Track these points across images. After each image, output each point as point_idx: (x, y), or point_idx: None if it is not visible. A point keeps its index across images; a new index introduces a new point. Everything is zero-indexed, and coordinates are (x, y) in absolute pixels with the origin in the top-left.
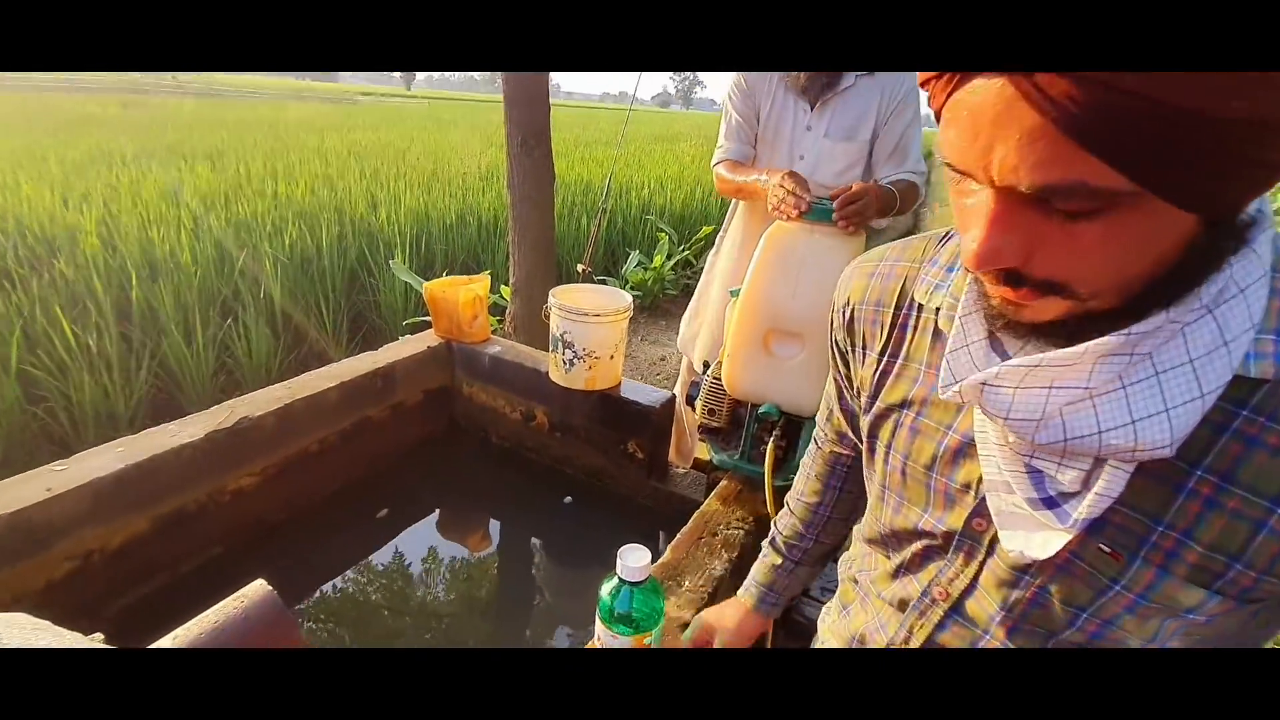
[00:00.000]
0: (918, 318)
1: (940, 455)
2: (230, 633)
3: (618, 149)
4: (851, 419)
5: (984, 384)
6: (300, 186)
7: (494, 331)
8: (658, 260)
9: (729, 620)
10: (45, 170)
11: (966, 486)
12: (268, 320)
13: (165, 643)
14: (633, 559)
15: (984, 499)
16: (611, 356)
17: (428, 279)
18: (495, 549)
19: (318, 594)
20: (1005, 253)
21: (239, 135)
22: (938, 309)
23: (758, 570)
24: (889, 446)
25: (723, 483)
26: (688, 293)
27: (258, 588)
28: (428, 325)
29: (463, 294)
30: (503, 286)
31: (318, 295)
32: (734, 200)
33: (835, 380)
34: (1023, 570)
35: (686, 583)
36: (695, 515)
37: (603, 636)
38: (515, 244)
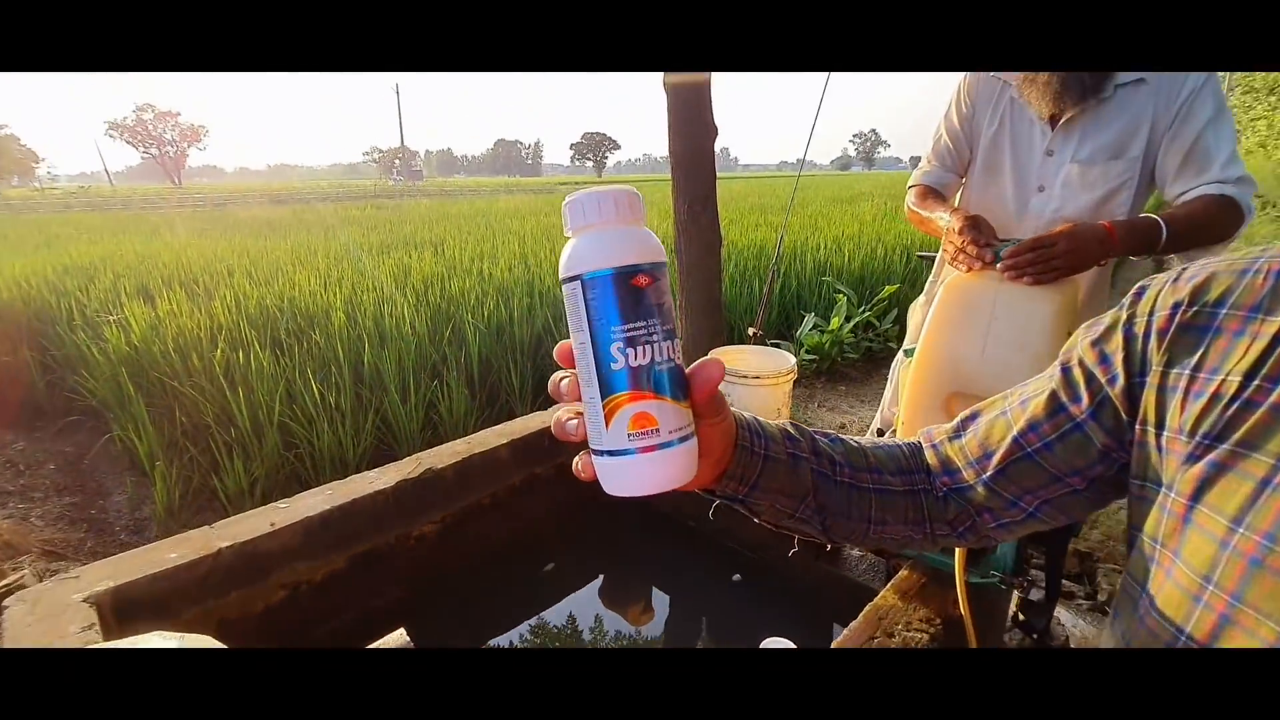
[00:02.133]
0: None
1: None
2: None
3: (789, 209)
4: (1027, 454)
5: None
6: (501, 264)
7: None
8: (835, 322)
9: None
10: (313, 261)
11: None
12: (466, 382)
13: None
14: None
15: None
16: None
17: None
18: (658, 622)
19: (485, 643)
20: None
21: (458, 225)
22: None
23: (765, 421)
24: (1236, 520)
25: (902, 573)
26: (869, 356)
27: (396, 637)
28: None
29: None
30: None
31: (508, 359)
32: None
33: (1049, 398)
34: None
35: None
36: (868, 608)
37: None
38: (683, 308)
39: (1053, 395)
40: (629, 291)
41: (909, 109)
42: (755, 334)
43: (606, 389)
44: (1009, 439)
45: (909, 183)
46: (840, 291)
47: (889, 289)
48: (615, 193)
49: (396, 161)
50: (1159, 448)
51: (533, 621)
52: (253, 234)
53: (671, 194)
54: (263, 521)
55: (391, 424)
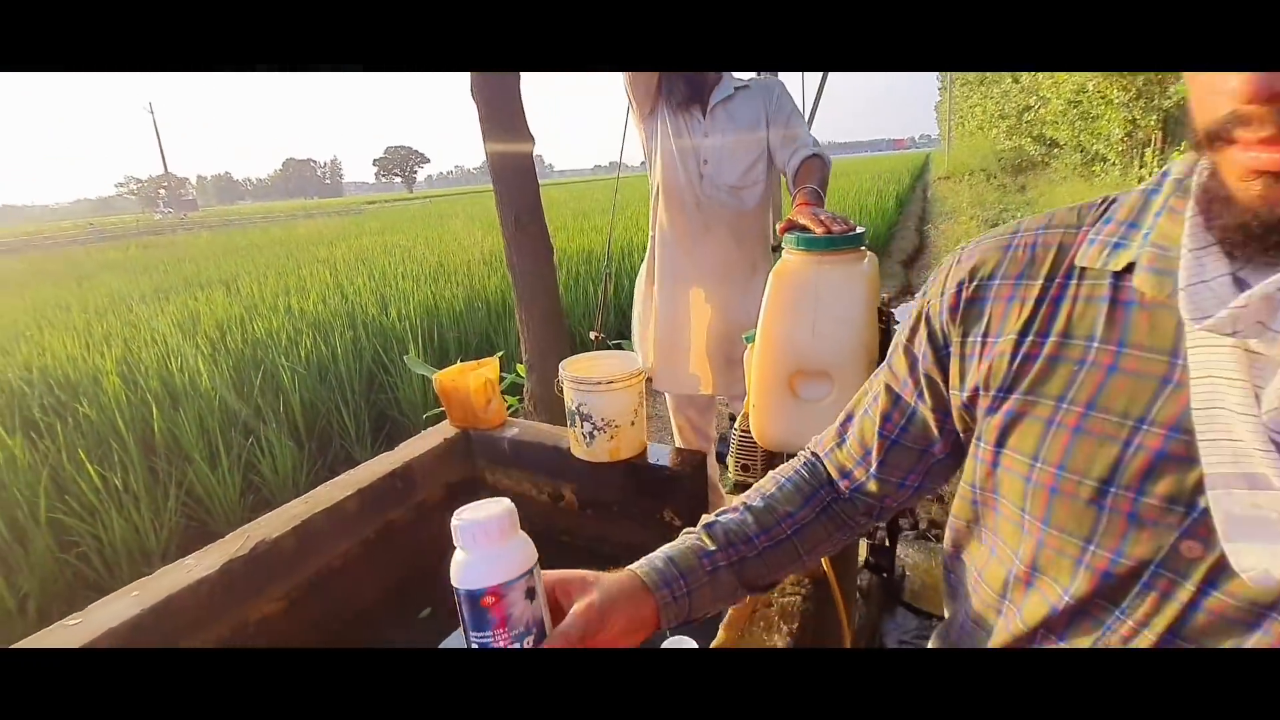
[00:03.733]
0: (1079, 287)
1: (1126, 462)
2: None
3: (613, 210)
4: (893, 441)
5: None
6: (311, 298)
7: (515, 412)
8: None
9: (609, 583)
10: (68, 319)
11: (1173, 500)
12: (290, 433)
13: None
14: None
15: (1200, 514)
16: (632, 423)
17: (443, 368)
18: None
19: None
20: None
21: (251, 258)
22: (1128, 266)
23: (673, 548)
24: (1033, 457)
25: None
26: None
27: None
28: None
29: (473, 380)
30: (518, 365)
31: (336, 400)
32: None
33: (887, 392)
34: (1269, 605)
35: None
36: None
37: None
38: (523, 321)
39: (888, 388)
40: (477, 608)
41: None
42: (597, 337)
43: None
44: (876, 434)
45: None
46: None
47: None
48: (478, 524)
49: (161, 191)
50: (964, 404)
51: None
52: None
53: (496, 207)
54: (51, 645)
55: (202, 497)
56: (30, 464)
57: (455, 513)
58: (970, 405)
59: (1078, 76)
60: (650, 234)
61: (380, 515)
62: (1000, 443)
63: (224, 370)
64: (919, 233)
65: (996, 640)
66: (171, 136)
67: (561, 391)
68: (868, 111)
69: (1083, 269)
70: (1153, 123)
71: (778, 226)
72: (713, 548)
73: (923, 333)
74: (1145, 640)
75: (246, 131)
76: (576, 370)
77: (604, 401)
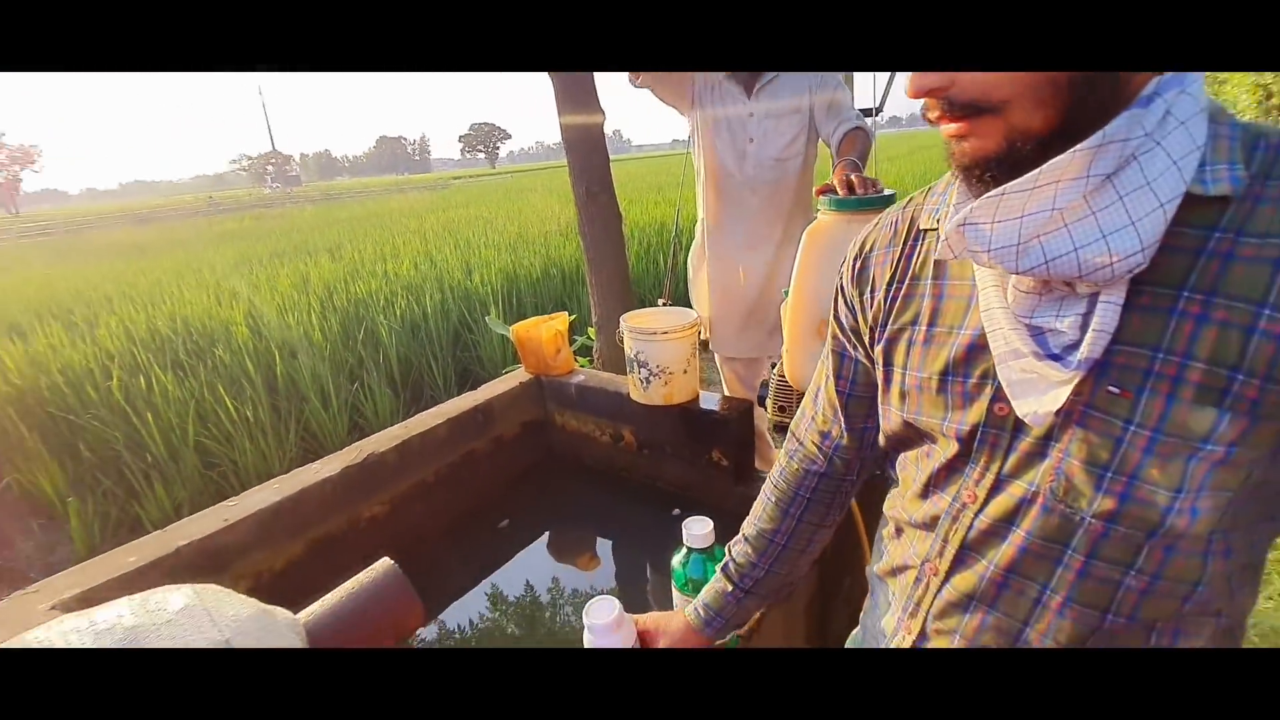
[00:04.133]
0: (922, 243)
1: (954, 357)
2: (362, 596)
3: (680, 184)
4: (847, 394)
5: (964, 224)
6: (404, 264)
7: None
8: None
9: (675, 627)
10: (201, 279)
11: (984, 377)
12: (388, 382)
13: (312, 608)
14: (697, 527)
15: (999, 383)
16: (685, 371)
17: None
18: (606, 565)
19: (450, 602)
20: (928, 77)
21: (350, 229)
22: (939, 222)
23: (707, 593)
24: (904, 367)
25: None
26: None
27: (385, 563)
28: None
29: (544, 331)
30: (589, 328)
31: (427, 355)
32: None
33: (833, 354)
34: (1046, 438)
35: None
36: None
37: (678, 602)
38: (593, 286)
39: (834, 350)
40: None
41: None
42: (664, 304)
43: None
44: (835, 391)
45: None
46: None
47: None
48: (600, 626)
49: (269, 167)
50: (868, 345)
51: (495, 571)
52: (122, 257)
53: (569, 178)
54: (215, 520)
55: (316, 432)
56: (179, 397)
57: (585, 617)
58: (871, 345)
59: None
60: (699, 215)
61: (465, 443)
62: (887, 363)
63: (332, 325)
64: None
65: (907, 492)
66: (278, 116)
67: (623, 342)
68: None
69: (923, 230)
70: None
71: (814, 190)
72: (730, 587)
73: (841, 304)
74: (988, 480)
75: (343, 111)
76: (635, 322)
77: (659, 349)
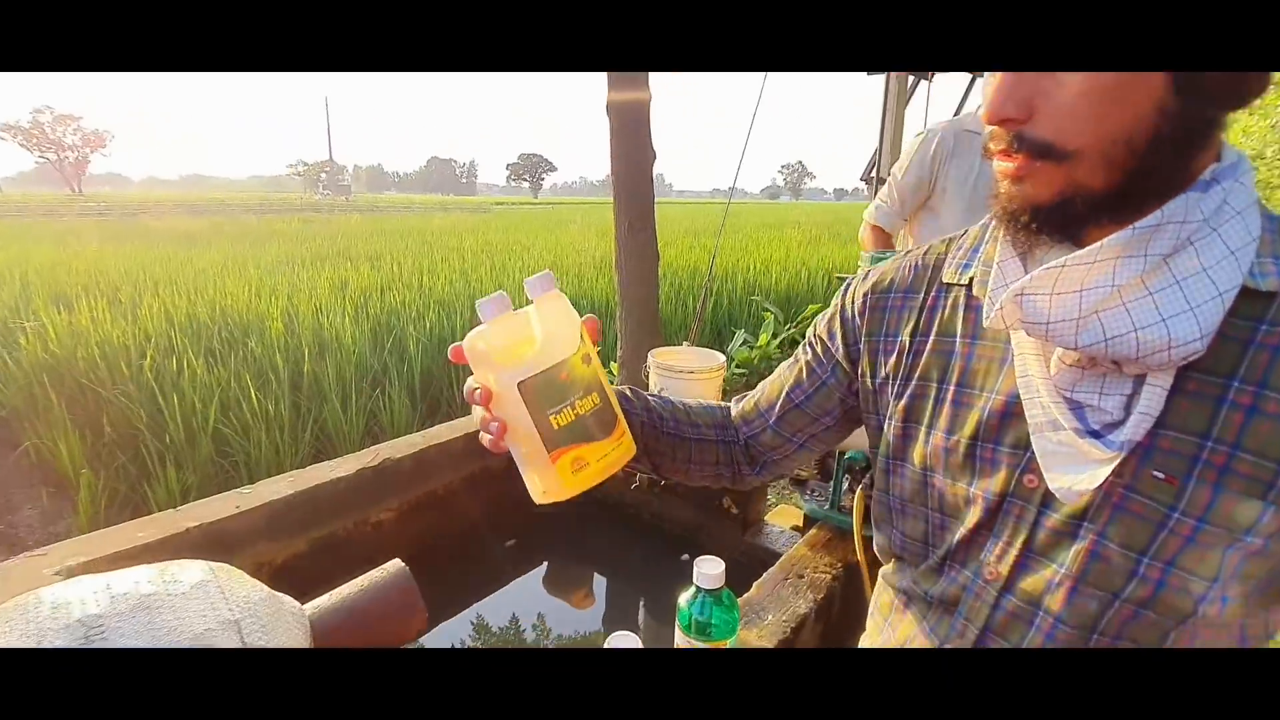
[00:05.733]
0: (947, 297)
1: (985, 421)
2: (370, 594)
3: (719, 233)
4: (796, 404)
5: (1020, 295)
6: (440, 279)
7: None
8: (763, 339)
9: None
10: (244, 273)
11: (1015, 446)
12: (408, 392)
13: (319, 601)
14: (708, 567)
15: (1031, 454)
16: None
17: None
18: (604, 601)
19: (442, 617)
20: (1009, 104)
21: (394, 241)
22: (970, 280)
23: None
24: (929, 427)
25: (813, 531)
26: None
27: (395, 564)
28: None
29: None
30: (612, 363)
31: (451, 372)
32: None
33: (805, 366)
34: (1079, 518)
35: (769, 617)
36: (783, 558)
37: (680, 644)
38: (623, 319)
39: (806, 364)
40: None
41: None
42: (689, 345)
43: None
44: (782, 395)
45: (868, 217)
46: (768, 310)
47: (812, 308)
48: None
49: (323, 175)
50: (874, 390)
51: (495, 590)
52: (172, 244)
53: (613, 213)
54: (228, 504)
55: (331, 433)
56: (206, 383)
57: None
58: (880, 391)
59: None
60: None
61: (481, 459)
62: (905, 419)
63: (363, 330)
64: None
65: (920, 564)
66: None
67: (648, 377)
68: None
69: (947, 284)
70: None
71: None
72: (635, 401)
73: (838, 329)
74: (1011, 556)
75: (400, 128)
76: (664, 358)
77: (685, 387)
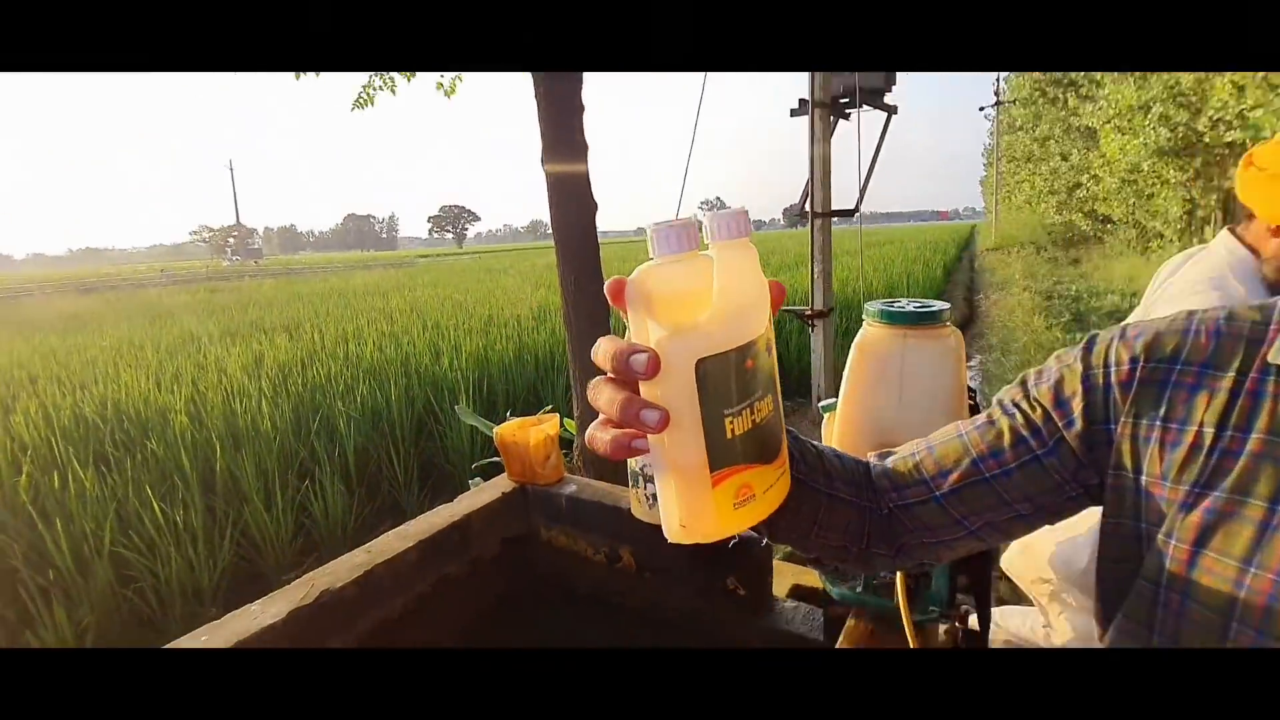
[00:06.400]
0: (1276, 384)
1: None
2: None
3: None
4: (984, 478)
5: None
6: (369, 346)
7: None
8: None
9: None
10: (141, 357)
11: None
12: (342, 476)
13: None
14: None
15: None
16: None
17: (491, 419)
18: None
19: None
20: None
21: (313, 306)
22: None
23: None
24: (1246, 561)
25: (850, 623)
26: None
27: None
28: (495, 468)
29: (534, 436)
30: (567, 420)
31: (388, 447)
32: None
33: (1008, 432)
34: None
35: None
36: None
37: None
38: (576, 379)
39: (1011, 429)
40: None
41: (746, 179)
42: None
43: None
44: (967, 461)
45: None
46: None
47: None
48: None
49: (231, 240)
50: (1138, 490)
51: None
52: (58, 331)
53: (557, 268)
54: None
55: (255, 537)
56: (98, 496)
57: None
58: (1147, 494)
59: (1131, 156)
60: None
61: (438, 569)
62: (1200, 543)
63: (285, 413)
64: (968, 302)
65: None
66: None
67: None
68: (915, 179)
69: (1272, 364)
70: (1213, 202)
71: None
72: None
73: (1078, 398)
74: None
75: (312, 187)
76: None
77: None
